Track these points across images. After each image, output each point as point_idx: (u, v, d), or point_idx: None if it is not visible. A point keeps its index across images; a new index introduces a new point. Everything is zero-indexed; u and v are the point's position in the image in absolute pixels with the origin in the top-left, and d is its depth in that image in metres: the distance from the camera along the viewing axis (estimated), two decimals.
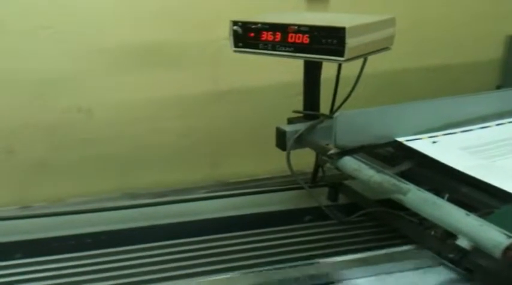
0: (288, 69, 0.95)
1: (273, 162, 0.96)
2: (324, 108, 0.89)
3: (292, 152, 0.81)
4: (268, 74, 1.15)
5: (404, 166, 0.75)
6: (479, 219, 0.55)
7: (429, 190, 0.63)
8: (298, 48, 0.75)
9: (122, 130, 1.11)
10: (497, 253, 0.51)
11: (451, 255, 0.57)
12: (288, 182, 0.98)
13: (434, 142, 0.76)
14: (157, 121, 1.13)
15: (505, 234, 0.52)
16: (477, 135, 0.79)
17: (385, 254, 0.74)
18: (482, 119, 0.82)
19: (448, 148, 0.74)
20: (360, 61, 0.80)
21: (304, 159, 0.87)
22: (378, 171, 0.67)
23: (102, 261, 0.74)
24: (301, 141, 0.80)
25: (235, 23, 0.80)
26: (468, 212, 0.57)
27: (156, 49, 1.08)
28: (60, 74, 1.04)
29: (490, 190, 0.65)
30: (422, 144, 0.75)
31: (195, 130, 1.16)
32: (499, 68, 1.38)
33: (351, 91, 0.86)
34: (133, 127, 1.12)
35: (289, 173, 0.82)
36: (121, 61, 1.06)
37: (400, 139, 0.76)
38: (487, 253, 0.52)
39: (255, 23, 0.78)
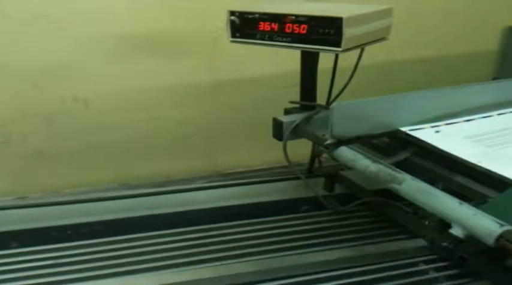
0: (285, 60, 0.95)
1: (269, 153, 0.96)
2: (320, 98, 0.89)
3: (288, 144, 0.81)
4: (265, 64, 1.15)
5: (400, 156, 0.76)
6: (473, 208, 0.56)
7: (424, 180, 0.63)
8: (295, 39, 0.75)
9: (118, 120, 1.11)
10: (491, 241, 0.52)
11: (445, 244, 0.58)
12: (284, 173, 0.99)
13: (437, 131, 0.76)
14: (154, 111, 1.13)
15: (498, 222, 0.52)
16: (479, 124, 0.80)
17: (381, 244, 0.75)
18: (483, 109, 0.83)
19: (452, 137, 0.74)
20: (356, 52, 0.80)
21: (299, 151, 0.87)
22: (374, 161, 0.68)
23: (98, 251, 0.74)
24: (297, 132, 0.81)
25: (232, 13, 0.80)
26: (462, 201, 0.57)
27: (154, 39, 1.08)
28: (56, 63, 1.03)
29: (485, 180, 0.66)
30: (426, 134, 0.75)
31: (192, 120, 1.16)
32: (495, 60, 1.38)
33: (348, 82, 0.87)
34: (130, 117, 1.12)
35: (285, 163, 0.83)
36: (118, 50, 1.06)
37: (403, 129, 0.76)
38: (480, 241, 0.53)
39: (253, 13, 0.78)
